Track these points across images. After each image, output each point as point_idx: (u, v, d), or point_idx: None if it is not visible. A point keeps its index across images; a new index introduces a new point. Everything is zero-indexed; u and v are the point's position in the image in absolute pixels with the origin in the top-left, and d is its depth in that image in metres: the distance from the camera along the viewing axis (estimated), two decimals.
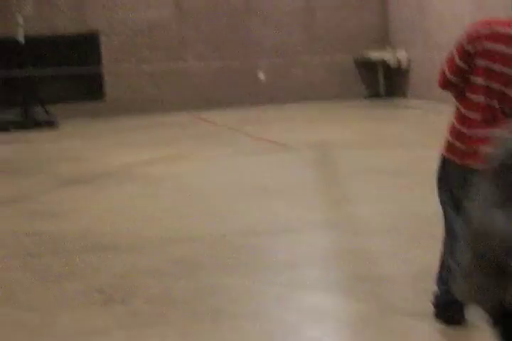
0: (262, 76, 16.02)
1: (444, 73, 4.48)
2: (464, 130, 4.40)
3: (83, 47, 17.32)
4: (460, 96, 4.48)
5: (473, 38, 4.31)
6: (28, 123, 15.53)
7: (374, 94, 18.23)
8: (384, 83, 18.25)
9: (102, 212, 7.84)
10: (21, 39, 15.63)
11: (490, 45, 4.28)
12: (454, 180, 4.48)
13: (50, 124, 15.51)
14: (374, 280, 5.53)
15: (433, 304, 4.70)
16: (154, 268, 5.98)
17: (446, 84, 4.51)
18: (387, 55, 17.84)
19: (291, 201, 7.89)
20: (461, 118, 4.45)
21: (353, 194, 8.15)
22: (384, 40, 18.62)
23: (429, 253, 5.27)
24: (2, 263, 6.27)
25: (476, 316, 3.90)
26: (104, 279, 5.82)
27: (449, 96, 4.67)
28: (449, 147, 4.51)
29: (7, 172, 10.59)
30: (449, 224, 4.57)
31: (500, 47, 4.27)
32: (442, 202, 4.64)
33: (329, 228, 6.86)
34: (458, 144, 4.43)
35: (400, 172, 9.08)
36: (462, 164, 4.36)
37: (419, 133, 12.05)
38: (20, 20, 15.60)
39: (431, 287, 4.73)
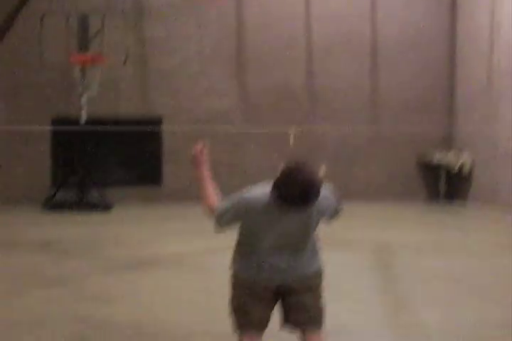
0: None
1: None
2: None
3: (145, 132, 17.17)
4: None
5: None
6: (83, 205, 15.47)
7: (434, 196, 17.88)
8: (445, 186, 17.85)
9: (148, 300, 7.49)
10: (83, 120, 15.74)
11: None
12: None
13: (104, 207, 15.40)
14: None
15: None
16: None
17: None
18: (450, 158, 17.50)
19: (351, 303, 7.45)
20: None
21: (413, 298, 7.69)
22: (449, 142, 18.36)
23: None
24: None
25: None
26: None
27: None
28: None
29: (56, 253, 10.34)
30: None
31: None
32: None
33: (388, 333, 6.39)
34: None
35: (459, 279, 8.69)
36: None
37: (478, 240, 11.71)
38: (84, 101, 15.71)
39: None
